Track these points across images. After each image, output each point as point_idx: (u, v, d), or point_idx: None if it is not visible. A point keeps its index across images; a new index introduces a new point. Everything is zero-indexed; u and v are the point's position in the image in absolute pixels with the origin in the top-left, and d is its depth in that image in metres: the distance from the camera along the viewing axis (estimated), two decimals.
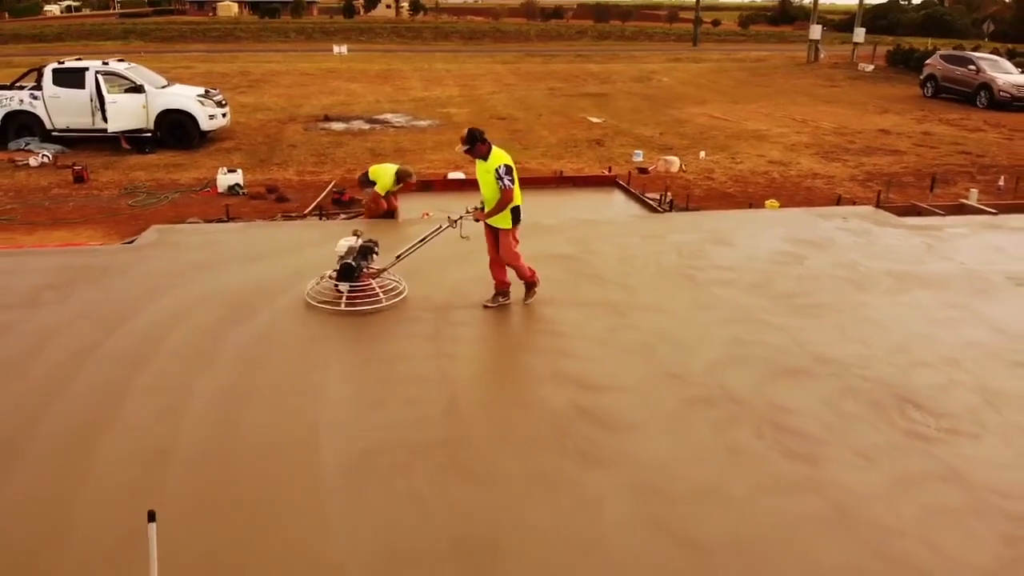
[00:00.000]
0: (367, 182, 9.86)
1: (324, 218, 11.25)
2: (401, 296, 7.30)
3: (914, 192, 13.81)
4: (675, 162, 16.10)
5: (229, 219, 10.78)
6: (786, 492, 4.65)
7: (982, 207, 11.64)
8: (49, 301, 7.35)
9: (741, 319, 7.14)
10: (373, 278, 7.36)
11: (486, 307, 7.29)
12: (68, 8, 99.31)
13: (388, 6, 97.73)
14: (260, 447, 5.01)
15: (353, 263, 7.18)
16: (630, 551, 4.13)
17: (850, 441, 5.19)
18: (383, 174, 9.73)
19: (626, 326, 6.97)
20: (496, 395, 5.92)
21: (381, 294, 7.19)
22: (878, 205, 11.75)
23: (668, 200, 12.20)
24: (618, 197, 12.71)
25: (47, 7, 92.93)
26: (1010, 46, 38.03)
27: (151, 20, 71.94)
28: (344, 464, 4.83)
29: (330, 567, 4.00)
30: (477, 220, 7.22)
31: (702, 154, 17.50)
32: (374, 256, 7.45)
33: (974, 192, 12.51)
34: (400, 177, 9.75)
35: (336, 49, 40.47)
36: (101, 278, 7.97)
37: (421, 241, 7.56)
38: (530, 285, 7.36)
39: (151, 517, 2.74)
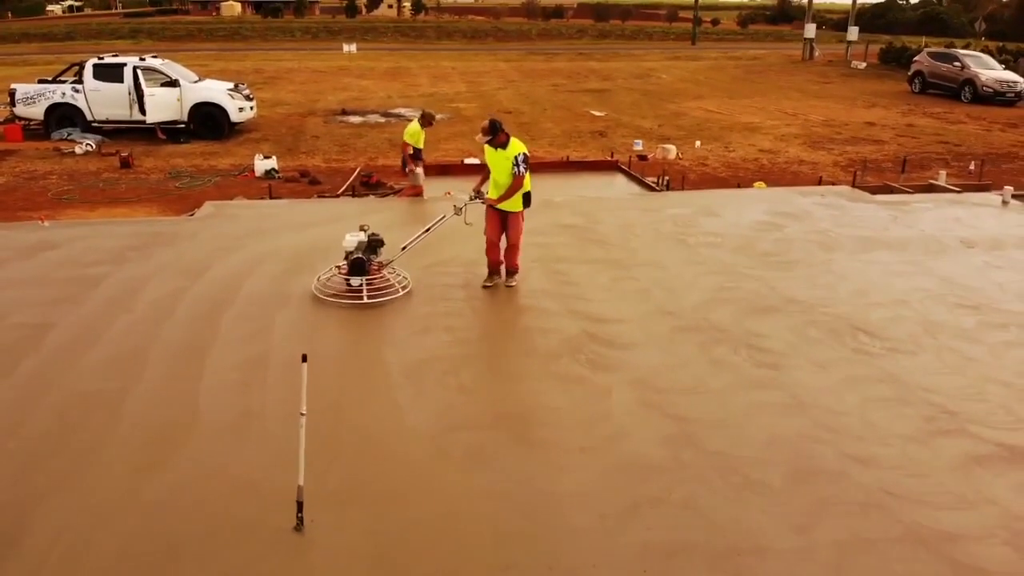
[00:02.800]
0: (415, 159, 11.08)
1: (356, 197, 12.50)
2: (407, 288, 7.56)
3: (890, 176, 15.05)
4: (672, 150, 17.36)
5: (272, 198, 12.02)
6: (755, 388, 5.89)
7: (948, 186, 12.89)
8: (133, 258, 8.59)
9: (724, 272, 8.39)
10: (382, 269, 7.60)
11: (485, 287, 7.74)
12: (70, 8, 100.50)
13: (390, 6, 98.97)
14: (337, 357, 6.28)
15: (364, 257, 7.47)
16: (633, 422, 5.38)
17: (809, 356, 6.44)
18: (412, 133, 10.92)
19: (627, 277, 8.22)
20: (520, 324, 7.16)
21: (397, 284, 7.52)
22: (854, 185, 12.99)
23: (665, 182, 13.45)
24: (620, 179, 13.99)
25: (49, 7, 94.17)
26: (1001, 44, 39.17)
27: (156, 20, 73.19)
28: (404, 369, 6.07)
29: (406, 431, 5.24)
30: (491, 205, 7.63)
31: (697, 143, 18.76)
32: (380, 250, 7.64)
33: (942, 173, 13.75)
34: (426, 121, 10.97)
35: (347, 47, 41.77)
36: (173, 241, 9.22)
37: (426, 231, 7.82)
38: (512, 271, 7.87)
39: (304, 359, 3.96)
